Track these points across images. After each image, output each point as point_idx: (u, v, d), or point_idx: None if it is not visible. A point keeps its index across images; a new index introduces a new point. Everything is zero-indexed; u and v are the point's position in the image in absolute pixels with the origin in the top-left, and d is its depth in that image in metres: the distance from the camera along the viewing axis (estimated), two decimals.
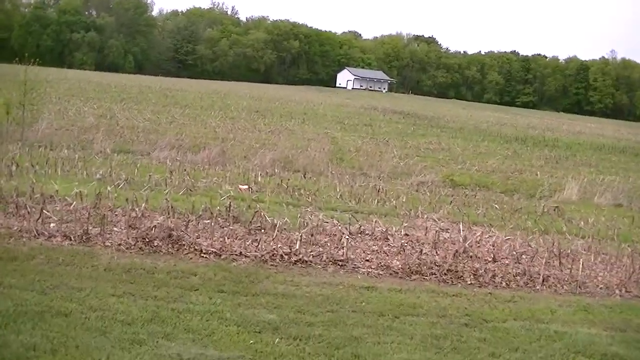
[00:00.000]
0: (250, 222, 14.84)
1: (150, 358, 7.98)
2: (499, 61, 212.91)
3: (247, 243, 13.39)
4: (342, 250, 13.54)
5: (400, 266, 13.28)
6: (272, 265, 12.55)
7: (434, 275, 13.07)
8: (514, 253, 15.08)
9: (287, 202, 18.98)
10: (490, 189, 26.60)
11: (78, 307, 9.26)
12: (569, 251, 15.45)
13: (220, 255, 12.61)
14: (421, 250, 13.94)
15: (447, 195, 24.11)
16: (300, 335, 9.14)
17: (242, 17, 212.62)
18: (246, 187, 21.05)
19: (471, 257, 14.31)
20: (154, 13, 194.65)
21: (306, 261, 12.85)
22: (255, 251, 12.97)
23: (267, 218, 15.04)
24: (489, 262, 14.31)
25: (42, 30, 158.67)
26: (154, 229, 12.97)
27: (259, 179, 22.75)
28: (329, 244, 14.08)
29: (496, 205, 22.15)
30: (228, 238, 13.38)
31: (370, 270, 13.02)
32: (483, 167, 31.07)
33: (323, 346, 8.85)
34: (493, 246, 15.61)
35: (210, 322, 9.25)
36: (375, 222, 16.10)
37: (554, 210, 22.33)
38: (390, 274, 12.99)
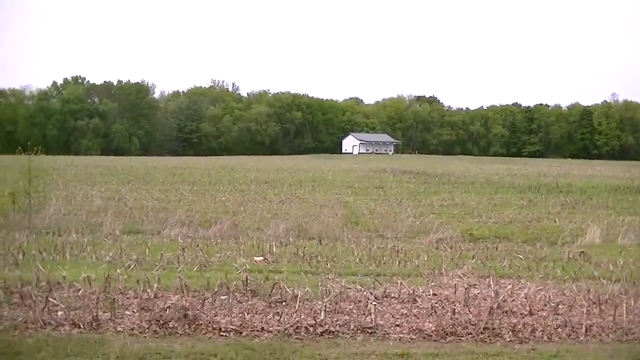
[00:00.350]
0: (270, 294, 14.00)
1: None
2: (502, 114, 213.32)
3: (268, 317, 12.56)
4: (369, 317, 12.68)
5: (433, 328, 12.41)
6: (297, 338, 11.70)
7: (470, 335, 12.21)
8: (550, 304, 14.20)
9: (305, 270, 18.13)
10: (511, 239, 25.70)
11: None
12: (607, 297, 14.53)
13: (240, 333, 11.77)
14: (454, 310, 13.04)
15: (468, 250, 23.24)
16: None
17: (244, 93, 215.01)
18: (261, 258, 20.23)
19: (506, 312, 13.44)
20: (156, 95, 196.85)
21: (333, 332, 11.99)
22: (278, 325, 12.13)
23: (287, 289, 14.19)
24: (526, 315, 13.44)
25: (47, 120, 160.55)
26: (168, 309, 12.15)
27: (274, 249, 21.90)
28: (354, 311, 13.21)
29: (520, 256, 21.24)
30: (248, 313, 12.54)
31: (401, 335, 12.16)
32: (500, 218, 30.20)
33: None
34: (526, 298, 14.74)
35: None
36: (400, 284, 15.23)
37: (580, 255, 21.42)
38: (424, 337, 12.13)
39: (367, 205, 33.88)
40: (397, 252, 21.69)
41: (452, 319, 12.59)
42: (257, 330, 11.87)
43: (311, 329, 11.98)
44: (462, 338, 12.08)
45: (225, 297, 13.67)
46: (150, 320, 11.74)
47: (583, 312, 13.24)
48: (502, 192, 39.64)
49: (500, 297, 13.57)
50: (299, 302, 13.24)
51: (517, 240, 25.57)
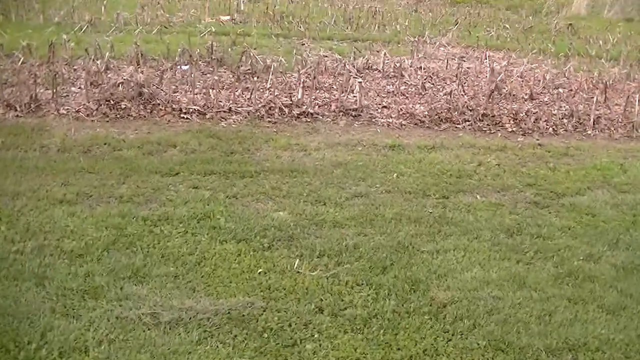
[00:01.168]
0: (239, 65, 11.91)
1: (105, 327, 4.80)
2: None
3: (237, 94, 10.51)
4: (352, 96, 10.70)
5: (425, 113, 10.47)
6: (270, 122, 9.76)
7: (467, 123, 10.31)
8: (551, 87, 12.33)
9: (276, 34, 15.94)
10: (493, 5, 23.50)
11: (9, 231, 6.03)
12: (610, 81, 12.67)
13: (205, 115, 9.77)
14: (450, 91, 11.05)
15: (450, 14, 21.04)
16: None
17: None
18: (228, 17, 17.93)
19: (505, 96, 11.52)
20: None
21: (312, 114, 10.04)
22: (248, 105, 10.12)
23: (258, 58, 12.08)
24: (526, 100, 11.55)
25: None
26: (120, 85, 10.04)
27: (242, 7, 19.53)
28: (334, 88, 11.22)
29: (506, 25, 19.15)
30: (213, 89, 10.47)
31: (390, 120, 10.23)
32: None
33: (362, 266, 5.84)
34: (521, 78, 12.84)
35: (195, 242, 6.06)
36: (384, 54, 13.18)
37: (567, 28, 19.38)
38: (415, 124, 10.24)
39: None
40: (374, 13, 19.46)
41: (447, 102, 10.66)
42: (224, 112, 9.88)
43: (287, 110, 10.01)
44: (458, 126, 10.22)
45: (187, 67, 11.58)
46: (100, 100, 9.65)
47: (588, 100, 11.42)
48: None
49: (498, 78, 11.59)
50: (272, 74, 11.21)
51: (499, 6, 23.41)
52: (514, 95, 11.62)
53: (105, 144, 8.39)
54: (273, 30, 16.38)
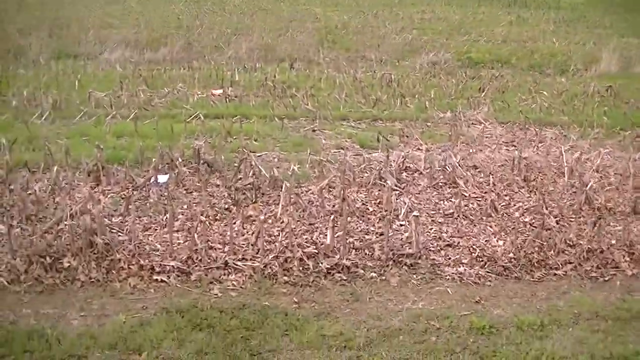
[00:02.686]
0: (236, 176, 8.34)
1: None
2: None
3: (235, 229, 6.87)
4: (401, 226, 7.09)
5: (509, 252, 6.84)
6: (287, 283, 6.23)
7: (570, 265, 6.72)
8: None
9: (279, 115, 12.42)
10: (514, 65, 19.94)
11: None
12: None
13: (189, 275, 6.17)
14: (533, 217, 7.44)
15: (471, 78, 17.51)
16: None
17: None
18: (221, 91, 14.39)
19: (598, 210, 7.96)
20: None
21: (348, 267, 6.41)
22: (253, 253, 6.50)
23: (261, 168, 8.49)
24: (629, 215, 8.00)
25: None
26: (62, 233, 6.41)
27: (237, 77, 15.96)
28: (371, 212, 7.63)
29: (544, 92, 15.66)
30: (201, 223, 6.85)
31: (462, 270, 6.59)
32: (491, 36, 24.17)
33: None
34: (598, 172, 9.35)
35: None
36: (421, 145, 9.72)
37: (607, 91, 15.86)
38: (499, 273, 6.62)
39: (340, 18, 27.50)
40: (389, 81, 15.93)
41: (535, 236, 7.03)
42: (218, 268, 6.27)
43: (310, 263, 6.38)
44: (558, 272, 6.63)
45: (166, 178, 8.05)
46: (30, 256, 6.03)
47: None
48: (485, 5, 33.33)
49: (588, 186, 8.02)
50: (283, 194, 7.62)
51: (520, 66, 19.86)
52: (609, 208, 8.05)
53: (25, 351, 4.77)
54: (275, 110, 12.85)
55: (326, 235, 6.65)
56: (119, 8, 27.40)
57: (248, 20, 25.46)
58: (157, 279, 6.01)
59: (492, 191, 8.41)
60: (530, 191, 8.42)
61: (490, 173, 9.19)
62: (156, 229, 6.87)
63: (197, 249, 6.32)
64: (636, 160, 9.87)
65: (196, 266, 6.19)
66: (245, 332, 5.29)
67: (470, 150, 10.27)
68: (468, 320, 5.64)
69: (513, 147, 10.89)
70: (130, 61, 17.44)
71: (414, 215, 6.72)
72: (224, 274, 6.16)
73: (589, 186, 8.04)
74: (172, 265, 6.11)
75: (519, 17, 29.48)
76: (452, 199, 8.14)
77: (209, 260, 6.26)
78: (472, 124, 12.44)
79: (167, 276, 6.05)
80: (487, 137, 11.62)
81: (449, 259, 6.68)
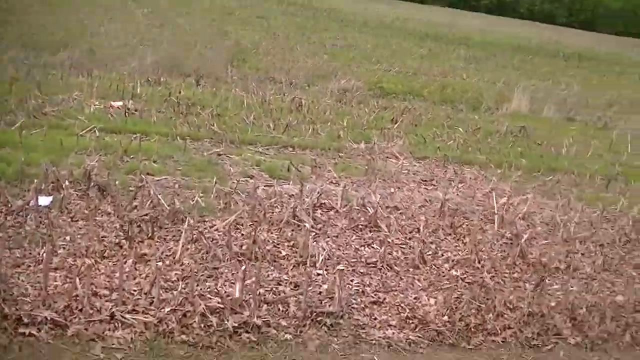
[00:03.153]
0: (131, 205, 7.15)
1: None
2: None
3: (127, 270, 5.71)
4: (322, 288, 6.06)
5: (443, 315, 5.91)
6: (185, 342, 5.05)
7: (509, 331, 5.85)
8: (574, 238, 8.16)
9: (182, 134, 11.26)
10: (426, 98, 19.35)
11: None
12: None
13: (65, 329, 4.96)
14: (463, 271, 6.56)
15: (384, 108, 16.74)
16: None
17: None
18: (120, 103, 13.07)
19: (532, 265, 7.18)
20: None
21: (258, 326, 5.31)
22: (146, 304, 5.34)
23: (160, 198, 7.31)
24: (563, 270, 7.24)
25: None
26: None
27: (139, 90, 14.63)
28: (283, 256, 6.58)
29: (459, 127, 15.06)
30: (86, 261, 5.65)
31: (390, 333, 5.62)
32: (403, 67, 23.65)
33: None
34: (524, 220, 8.65)
35: None
36: (334, 179, 8.77)
37: (520, 131, 15.43)
38: (433, 339, 5.66)
39: (251, 37, 26.41)
40: (299, 105, 14.97)
41: (470, 298, 6.13)
42: (102, 322, 5.09)
43: (214, 319, 5.28)
44: (496, 338, 5.74)
45: (50, 201, 6.80)
46: None
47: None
48: (398, 38, 32.84)
49: (523, 239, 7.20)
50: (185, 228, 6.50)
51: (432, 99, 19.34)
52: (544, 264, 7.27)
53: None
54: (178, 128, 11.68)
55: (233, 284, 5.56)
56: (18, 6, 25.47)
57: (156, 32, 24.09)
58: (23, 333, 4.77)
59: (418, 238, 7.48)
60: (458, 239, 7.55)
61: (412, 215, 8.31)
62: (29, 266, 5.62)
63: (77, 296, 5.12)
64: (560, 208, 9.25)
65: (75, 318, 4.99)
66: None
67: (391, 190, 9.38)
68: None
69: (432, 187, 10.11)
70: (24, 62, 15.87)
71: (338, 269, 5.70)
72: (109, 329, 4.97)
73: (523, 239, 7.21)
74: (45, 317, 4.88)
75: (430, 50, 29.17)
76: (374, 245, 7.18)
77: (91, 311, 5.06)
78: (387, 157, 11.64)
79: (38, 329, 4.83)
80: (404, 173, 10.80)
81: (375, 319, 5.69)
